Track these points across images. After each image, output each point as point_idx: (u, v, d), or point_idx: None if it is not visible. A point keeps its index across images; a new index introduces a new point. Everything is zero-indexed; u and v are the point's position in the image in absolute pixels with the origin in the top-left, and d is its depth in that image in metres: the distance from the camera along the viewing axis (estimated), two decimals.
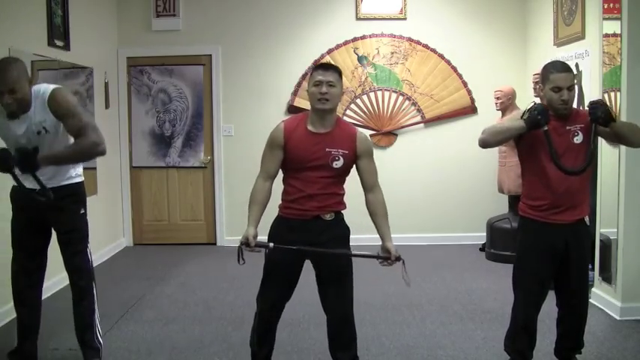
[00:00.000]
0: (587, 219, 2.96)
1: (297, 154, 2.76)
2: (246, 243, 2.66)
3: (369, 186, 2.85)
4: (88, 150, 2.93)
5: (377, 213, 2.84)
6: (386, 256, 2.74)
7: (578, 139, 2.85)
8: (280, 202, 2.87)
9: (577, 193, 2.88)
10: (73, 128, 2.92)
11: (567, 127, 2.86)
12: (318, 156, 2.75)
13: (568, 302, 3.01)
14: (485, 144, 2.93)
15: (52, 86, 2.96)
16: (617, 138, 2.89)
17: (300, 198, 2.77)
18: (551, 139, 2.78)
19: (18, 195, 3.10)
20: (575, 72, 2.88)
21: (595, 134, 2.82)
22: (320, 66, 2.83)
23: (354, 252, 2.79)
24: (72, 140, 3.00)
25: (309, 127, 2.78)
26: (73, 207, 3.13)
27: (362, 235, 3.35)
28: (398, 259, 2.72)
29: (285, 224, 2.83)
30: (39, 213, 3.05)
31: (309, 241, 2.76)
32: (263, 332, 2.90)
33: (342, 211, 2.87)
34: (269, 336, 2.92)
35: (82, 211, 3.17)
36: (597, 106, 2.78)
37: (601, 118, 2.75)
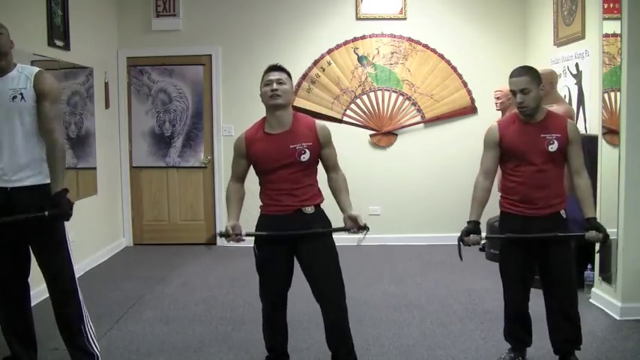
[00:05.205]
0: (563, 212, 3.03)
1: (262, 158, 2.87)
2: (225, 234, 2.83)
3: (332, 167, 3.00)
4: (64, 154, 2.89)
5: (340, 188, 2.98)
6: (353, 226, 2.87)
7: (553, 147, 2.93)
8: (260, 203, 2.96)
9: (551, 191, 2.97)
10: (46, 114, 2.81)
11: (542, 135, 2.93)
12: (283, 155, 2.84)
13: (553, 292, 3.05)
14: None
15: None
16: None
17: (278, 196, 2.87)
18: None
19: None
20: (532, 76, 2.91)
21: None
22: (269, 68, 2.91)
23: (323, 229, 2.91)
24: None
25: (267, 130, 2.88)
26: (39, 212, 2.81)
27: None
28: (365, 227, 2.85)
29: (268, 221, 2.91)
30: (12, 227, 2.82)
31: (293, 235, 2.87)
32: (274, 324, 3.01)
33: (321, 205, 2.96)
34: (280, 326, 3.03)
35: (46, 213, 2.81)
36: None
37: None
